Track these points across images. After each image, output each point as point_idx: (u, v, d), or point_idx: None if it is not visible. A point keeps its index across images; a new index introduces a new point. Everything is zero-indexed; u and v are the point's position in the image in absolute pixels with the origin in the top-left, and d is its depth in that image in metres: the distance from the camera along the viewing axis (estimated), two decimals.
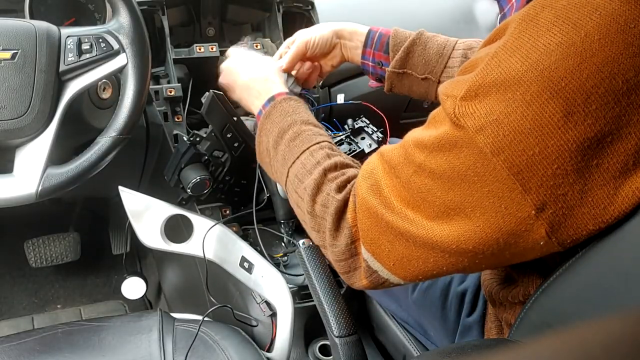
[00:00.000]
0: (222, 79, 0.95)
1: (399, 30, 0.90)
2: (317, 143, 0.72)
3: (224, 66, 0.95)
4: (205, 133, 0.99)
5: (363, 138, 1.00)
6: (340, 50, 0.96)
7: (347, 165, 0.69)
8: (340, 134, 1.01)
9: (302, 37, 0.94)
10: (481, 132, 0.48)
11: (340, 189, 0.65)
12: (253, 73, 0.88)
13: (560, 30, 0.46)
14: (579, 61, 0.45)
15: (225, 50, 1.19)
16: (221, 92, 0.95)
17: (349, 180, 0.66)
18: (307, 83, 1.00)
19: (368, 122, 1.02)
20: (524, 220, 0.49)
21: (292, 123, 0.75)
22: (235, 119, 0.98)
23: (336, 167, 0.68)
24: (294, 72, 0.97)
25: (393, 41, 0.89)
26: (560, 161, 0.46)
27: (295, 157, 0.71)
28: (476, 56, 0.53)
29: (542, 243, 0.50)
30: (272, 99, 0.81)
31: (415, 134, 0.57)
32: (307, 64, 0.97)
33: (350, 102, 1.18)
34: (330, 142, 0.73)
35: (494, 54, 0.49)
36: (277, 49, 1.19)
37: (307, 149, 0.71)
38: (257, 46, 1.17)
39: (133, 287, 1.32)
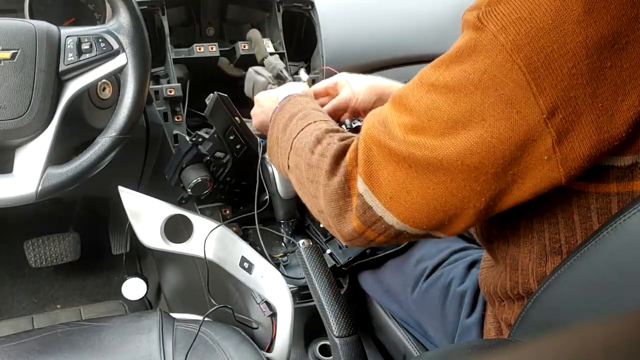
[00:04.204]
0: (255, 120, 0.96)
1: None
2: (324, 120, 0.75)
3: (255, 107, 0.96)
4: (207, 134, 0.99)
5: None
6: None
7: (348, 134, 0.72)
8: None
9: (347, 94, 0.95)
10: (504, 31, 0.50)
11: (341, 139, 0.67)
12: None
13: None
14: None
15: (226, 50, 1.19)
16: (225, 94, 0.96)
17: (350, 136, 0.68)
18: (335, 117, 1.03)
19: None
20: (533, 127, 0.50)
21: (302, 108, 0.79)
22: (238, 121, 0.98)
23: (337, 130, 0.71)
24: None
25: None
26: (577, 59, 0.48)
27: (300, 129, 0.74)
28: None
29: (546, 157, 0.51)
30: (287, 97, 0.84)
31: (430, 63, 0.58)
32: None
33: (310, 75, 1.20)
34: (335, 123, 0.76)
35: None
36: (272, 46, 1.18)
37: (314, 122, 0.74)
38: (244, 47, 1.17)
39: (133, 288, 1.32)
